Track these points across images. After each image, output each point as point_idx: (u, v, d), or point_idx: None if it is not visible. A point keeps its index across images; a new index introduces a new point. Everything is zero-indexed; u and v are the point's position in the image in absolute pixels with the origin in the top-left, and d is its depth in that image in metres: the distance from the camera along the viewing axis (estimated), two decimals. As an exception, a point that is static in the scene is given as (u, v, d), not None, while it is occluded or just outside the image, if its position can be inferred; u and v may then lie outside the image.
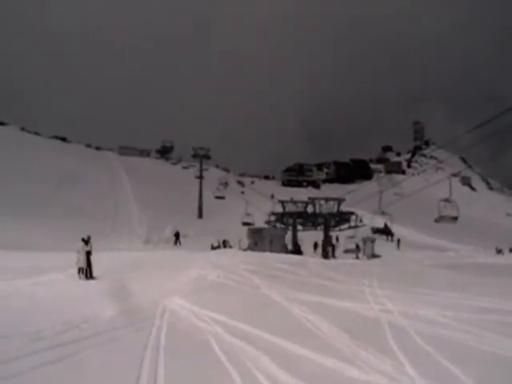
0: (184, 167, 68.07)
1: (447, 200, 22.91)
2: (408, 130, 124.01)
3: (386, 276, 15.40)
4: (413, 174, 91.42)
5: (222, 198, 48.72)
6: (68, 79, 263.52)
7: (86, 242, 14.64)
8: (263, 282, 13.41)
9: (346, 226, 33.91)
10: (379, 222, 42.78)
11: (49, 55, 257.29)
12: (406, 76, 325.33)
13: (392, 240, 41.33)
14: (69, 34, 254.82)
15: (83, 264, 14.25)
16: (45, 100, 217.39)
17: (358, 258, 30.41)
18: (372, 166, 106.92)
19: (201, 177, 54.85)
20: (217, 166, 79.99)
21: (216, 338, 7.03)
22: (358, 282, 13.57)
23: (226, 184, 59.33)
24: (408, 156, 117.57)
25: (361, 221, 34.24)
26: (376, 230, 41.52)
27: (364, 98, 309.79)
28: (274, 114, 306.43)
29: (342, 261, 25.89)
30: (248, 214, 37.14)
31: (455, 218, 23.33)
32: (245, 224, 35.56)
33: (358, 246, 31.75)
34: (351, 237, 31.74)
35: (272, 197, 62.36)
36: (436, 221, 24.78)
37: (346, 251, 31.17)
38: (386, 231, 43.32)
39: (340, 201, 33.54)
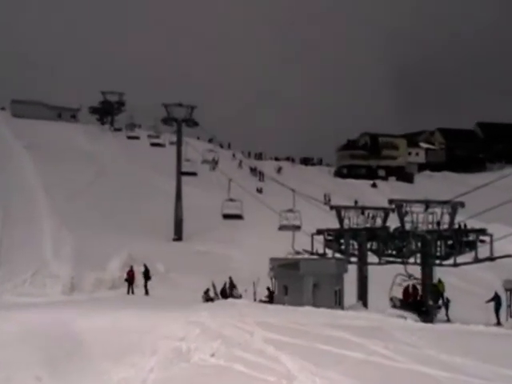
0: (154, 144, 66.92)
1: None
2: None
3: None
4: None
5: (238, 216, 47.66)
6: None
7: None
8: (300, 365, 13.50)
9: (469, 257, 33.45)
10: None
11: None
12: None
13: None
14: None
15: None
16: None
17: (499, 323, 30.04)
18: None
19: (179, 164, 55.02)
20: (210, 141, 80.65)
21: None
22: (499, 373, 13.38)
23: (213, 163, 58.69)
24: None
25: (482, 241, 33.41)
26: None
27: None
28: (320, 51, 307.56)
29: (462, 326, 25.54)
30: (298, 253, 35.28)
31: None
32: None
33: (497, 298, 31.30)
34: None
35: (327, 200, 62.05)
36: None
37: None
38: None
39: (455, 207, 33.35)
